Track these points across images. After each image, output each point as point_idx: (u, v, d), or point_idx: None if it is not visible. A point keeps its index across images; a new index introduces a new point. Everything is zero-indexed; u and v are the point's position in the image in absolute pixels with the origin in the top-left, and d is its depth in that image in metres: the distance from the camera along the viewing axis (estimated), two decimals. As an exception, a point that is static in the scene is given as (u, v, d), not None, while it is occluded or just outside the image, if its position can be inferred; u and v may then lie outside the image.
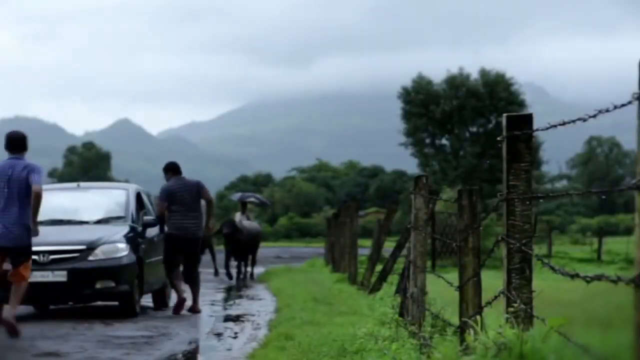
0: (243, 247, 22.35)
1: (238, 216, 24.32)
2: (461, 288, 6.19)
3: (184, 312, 13.36)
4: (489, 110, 69.85)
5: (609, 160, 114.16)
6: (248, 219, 24.39)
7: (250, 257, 23.26)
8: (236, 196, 26.81)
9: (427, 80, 71.79)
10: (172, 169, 13.75)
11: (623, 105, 3.39)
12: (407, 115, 71.39)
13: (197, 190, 13.46)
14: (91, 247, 12.58)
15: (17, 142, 10.23)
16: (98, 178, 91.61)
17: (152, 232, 13.88)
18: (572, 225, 77.42)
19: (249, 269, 23.24)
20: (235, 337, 10.63)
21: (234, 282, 21.65)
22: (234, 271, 22.80)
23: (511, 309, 4.68)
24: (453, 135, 71.27)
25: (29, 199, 10.04)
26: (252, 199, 25.98)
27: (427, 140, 72.02)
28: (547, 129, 4.54)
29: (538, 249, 31.20)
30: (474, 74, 71.47)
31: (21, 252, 10.15)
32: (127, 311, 12.72)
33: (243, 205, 24.77)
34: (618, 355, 3.64)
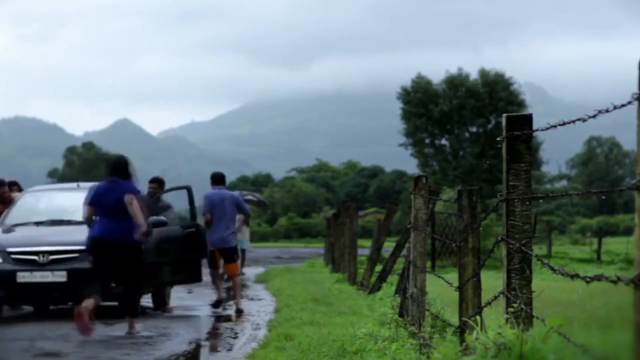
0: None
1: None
2: (461, 288, 6.19)
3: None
4: (489, 110, 69.76)
5: (608, 160, 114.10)
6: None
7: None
8: None
9: (427, 80, 71.72)
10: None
11: (623, 105, 3.39)
12: (406, 116, 71.34)
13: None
14: (91, 247, 12.55)
15: (219, 178, 14.03)
16: (98, 178, 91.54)
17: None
18: (572, 226, 77.47)
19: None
20: (235, 337, 10.63)
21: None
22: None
23: (511, 309, 4.69)
24: (452, 136, 71.20)
25: (234, 216, 14.01)
26: (248, 197, 25.87)
27: (427, 141, 71.95)
28: (547, 129, 4.54)
29: (538, 249, 31.23)
30: (474, 74, 71.46)
31: (230, 252, 13.75)
32: (127, 311, 12.69)
33: None
34: (618, 355, 3.64)
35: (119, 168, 11.16)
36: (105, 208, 10.99)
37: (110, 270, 10.99)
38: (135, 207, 10.88)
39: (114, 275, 11.06)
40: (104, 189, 11.13)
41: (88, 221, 11.18)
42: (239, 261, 14.33)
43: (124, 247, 10.92)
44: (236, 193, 14.67)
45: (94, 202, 11.08)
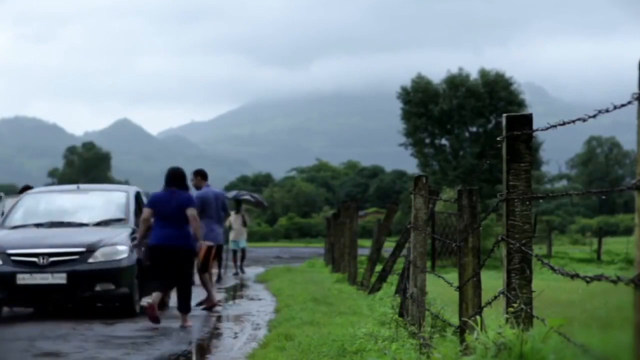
0: None
1: (233, 215, 24.25)
2: (461, 288, 6.19)
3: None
4: (489, 110, 69.75)
5: (608, 160, 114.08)
6: (243, 218, 24.35)
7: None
8: (230, 194, 26.78)
9: (427, 80, 71.67)
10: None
11: (623, 105, 3.39)
12: (406, 116, 71.30)
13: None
14: (91, 249, 12.54)
15: (206, 175, 14.86)
16: (98, 178, 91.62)
17: None
18: (572, 226, 77.47)
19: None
20: (235, 337, 10.63)
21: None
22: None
23: (511, 309, 4.68)
24: (453, 135, 71.17)
25: (222, 214, 14.90)
26: (246, 197, 25.79)
27: (427, 140, 71.92)
28: (547, 129, 4.54)
29: (538, 249, 31.21)
30: (474, 75, 71.41)
31: (221, 249, 15.47)
32: (127, 312, 12.71)
33: (237, 204, 24.70)
34: (618, 355, 3.64)
35: (177, 179, 11.96)
36: (164, 216, 11.76)
37: (168, 273, 11.73)
38: (197, 222, 11.88)
39: (170, 278, 11.79)
40: (163, 197, 11.88)
41: (145, 222, 11.95)
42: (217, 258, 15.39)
43: (181, 253, 11.76)
44: (232, 192, 15.50)
45: (153, 207, 11.85)
